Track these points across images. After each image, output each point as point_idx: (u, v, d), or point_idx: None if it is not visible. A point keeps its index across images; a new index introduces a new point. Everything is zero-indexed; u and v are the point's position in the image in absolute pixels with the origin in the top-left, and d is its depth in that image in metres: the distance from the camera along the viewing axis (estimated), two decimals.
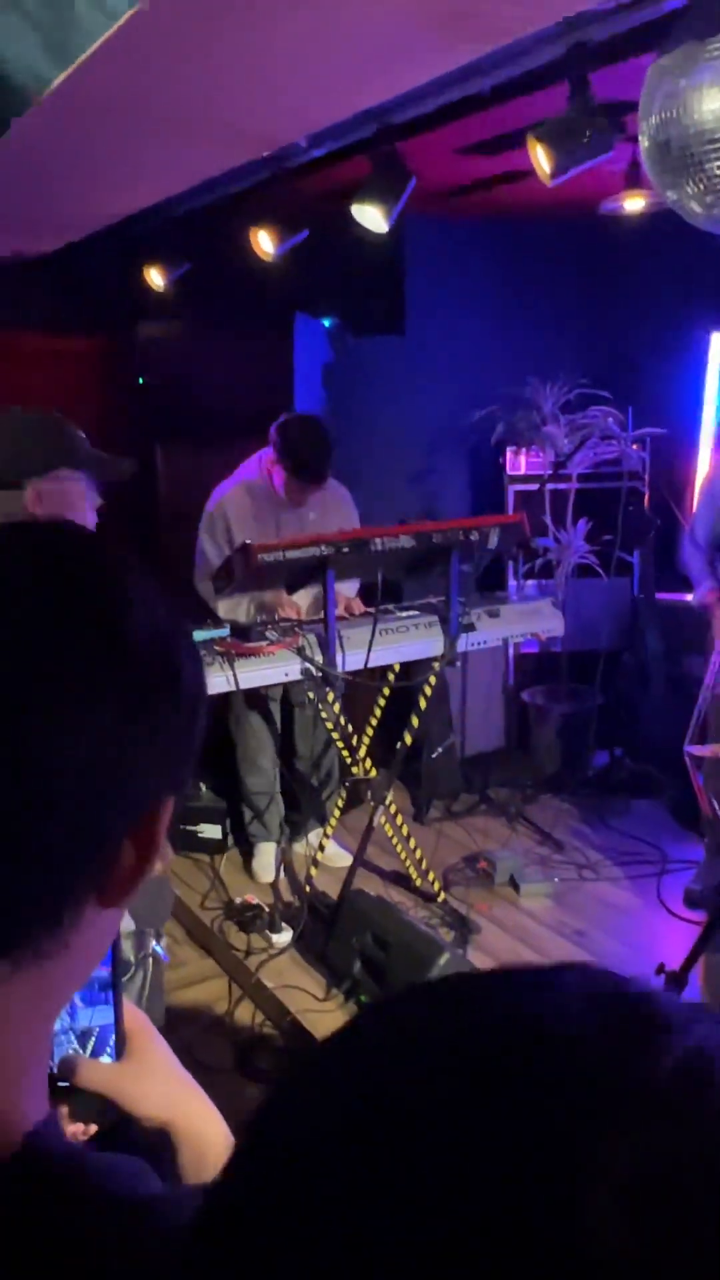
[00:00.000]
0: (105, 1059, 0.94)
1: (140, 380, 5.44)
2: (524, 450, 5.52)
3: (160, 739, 0.60)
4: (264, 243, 4.30)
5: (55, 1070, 0.89)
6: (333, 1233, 0.34)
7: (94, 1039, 0.93)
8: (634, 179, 4.11)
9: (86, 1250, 0.54)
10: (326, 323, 5.52)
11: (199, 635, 3.41)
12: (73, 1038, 0.93)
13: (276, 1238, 0.35)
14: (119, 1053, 0.94)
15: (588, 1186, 0.32)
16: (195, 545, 4.22)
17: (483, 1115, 0.34)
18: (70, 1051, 0.92)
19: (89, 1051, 0.93)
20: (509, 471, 5.58)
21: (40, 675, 0.56)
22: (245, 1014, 3.66)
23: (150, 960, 1.72)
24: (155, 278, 4.99)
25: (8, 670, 0.55)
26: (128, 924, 1.74)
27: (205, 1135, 0.93)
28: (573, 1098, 0.34)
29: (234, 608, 4.06)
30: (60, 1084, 0.89)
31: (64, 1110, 0.91)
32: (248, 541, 3.44)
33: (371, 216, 3.72)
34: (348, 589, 4.08)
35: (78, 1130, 0.95)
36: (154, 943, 1.74)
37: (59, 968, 0.60)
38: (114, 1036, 0.94)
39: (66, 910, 0.59)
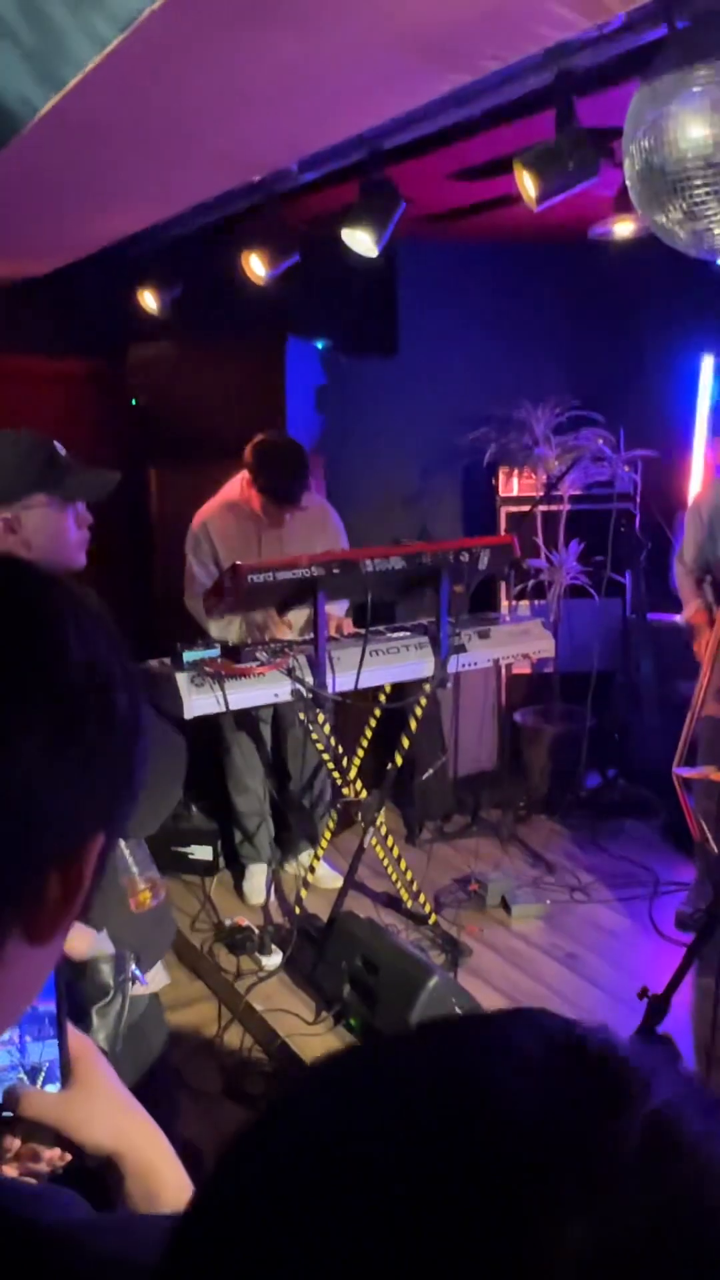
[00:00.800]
0: (52, 1088, 0.92)
1: (133, 402, 5.46)
2: (516, 472, 5.54)
3: (91, 772, 0.59)
4: (256, 266, 4.33)
5: (0, 1101, 0.89)
6: None
7: (43, 1074, 0.92)
8: (623, 203, 4.13)
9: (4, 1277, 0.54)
10: (319, 345, 5.54)
11: (189, 656, 3.41)
12: (22, 1074, 0.91)
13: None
14: (64, 1081, 0.93)
15: (545, 1267, 0.32)
16: (186, 566, 4.25)
17: (436, 1193, 0.34)
18: (16, 1081, 0.91)
19: (39, 1085, 0.92)
20: (501, 493, 5.60)
21: None
22: (234, 1037, 3.64)
23: (129, 985, 1.71)
24: (149, 300, 5.02)
25: None
26: (106, 947, 1.73)
27: (152, 1163, 0.91)
28: (530, 1176, 0.34)
29: (225, 627, 4.07)
30: (4, 1114, 0.88)
31: (12, 1141, 0.91)
32: (237, 562, 3.45)
33: (361, 241, 3.75)
34: (336, 609, 4.09)
35: (54, 1155, 0.94)
36: (133, 965, 1.73)
37: None
38: (59, 1067, 0.93)
39: None
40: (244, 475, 4.16)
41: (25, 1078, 0.92)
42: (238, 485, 4.21)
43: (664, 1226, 0.33)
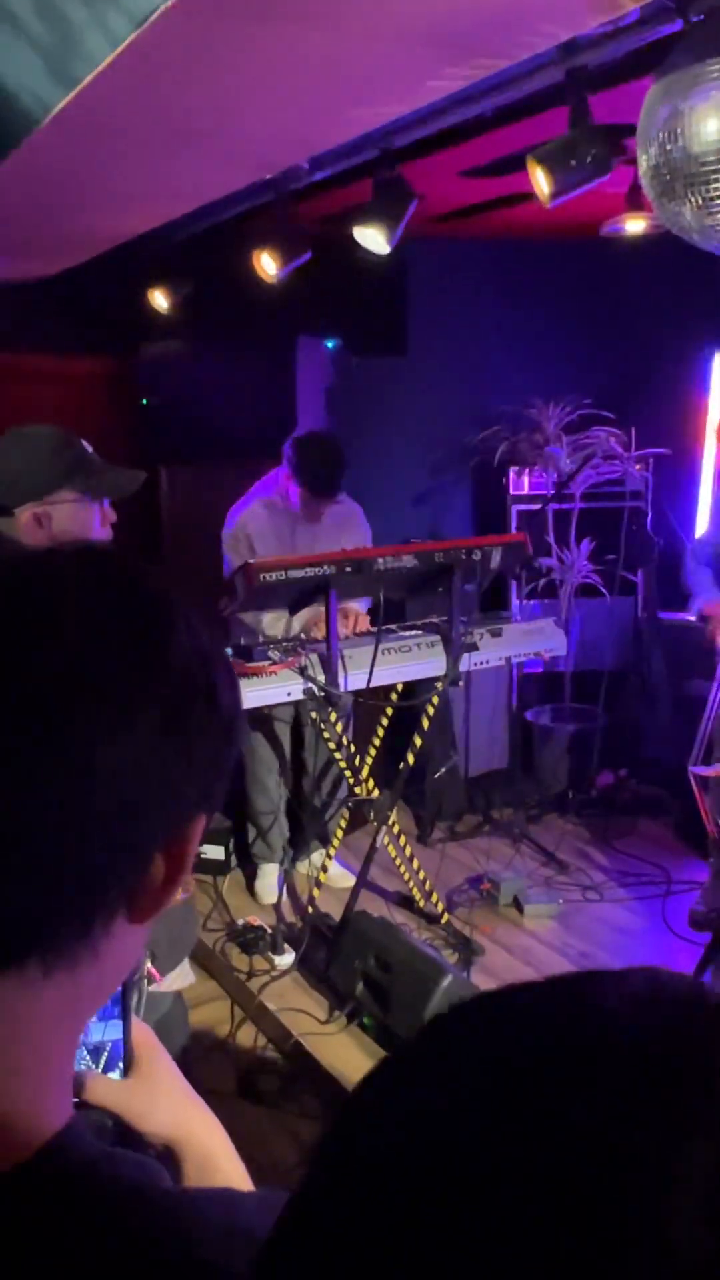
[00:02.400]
0: (114, 1075, 0.94)
1: (144, 401, 5.46)
2: (527, 470, 5.53)
3: (196, 756, 0.62)
4: (267, 265, 4.33)
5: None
6: (416, 1252, 0.34)
7: (105, 1054, 0.94)
8: (635, 201, 4.14)
9: (112, 1246, 0.55)
10: (329, 344, 5.55)
11: None
12: (85, 1052, 0.93)
13: (361, 1253, 0.35)
14: (126, 1069, 0.94)
15: (670, 1197, 0.32)
16: (222, 563, 4.25)
17: (558, 1132, 0.34)
18: (81, 1067, 0.93)
19: (100, 1067, 0.94)
20: (512, 491, 5.59)
21: (83, 686, 0.57)
22: (247, 1037, 3.64)
23: (144, 982, 1.72)
24: (159, 300, 5.02)
25: (54, 680, 0.57)
26: None
27: (212, 1152, 0.93)
28: (647, 1108, 0.34)
29: (275, 622, 4.10)
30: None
31: None
32: (249, 561, 3.45)
33: (373, 238, 3.75)
34: (359, 604, 4.10)
35: None
36: (148, 962, 1.74)
37: (89, 977, 0.61)
38: (122, 1053, 0.94)
39: (99, 920, 0.60)
40: (280, 472, 4.18)
41: (88, 1056, 0.93)
42: (272, 483, 4.23)
43: None
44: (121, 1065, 0.94)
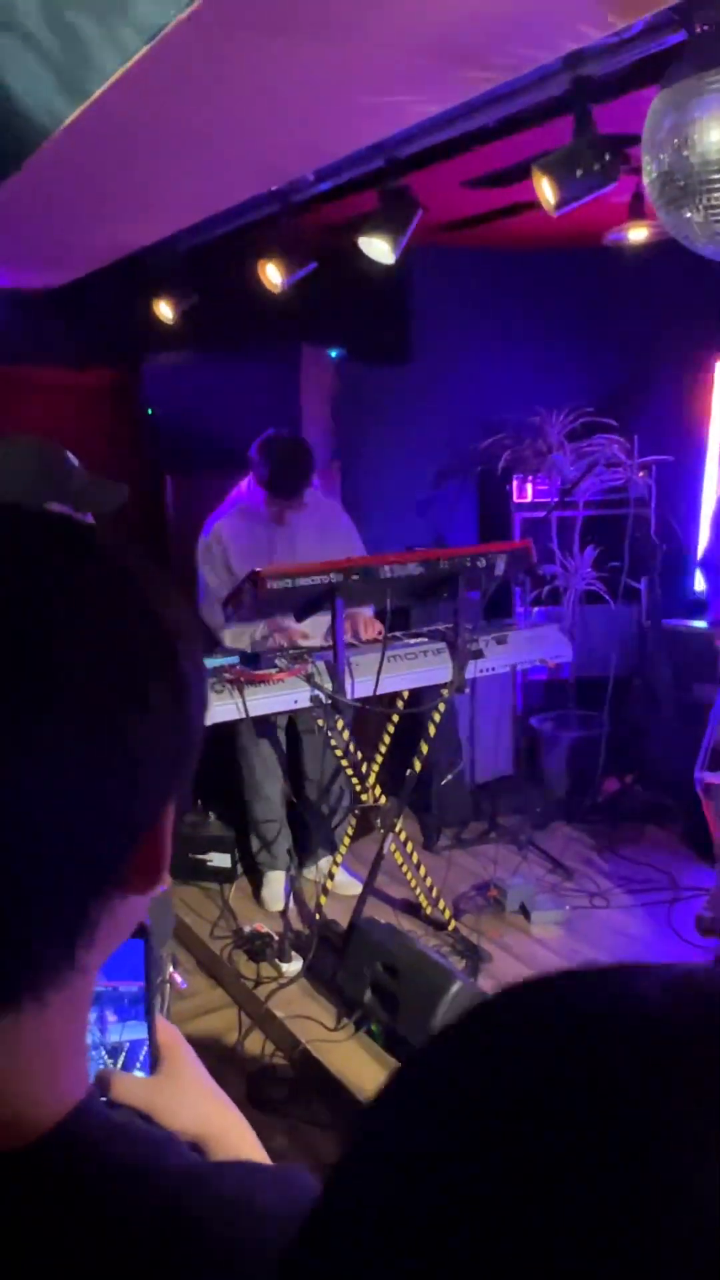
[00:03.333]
0: (138, 1073, 0.94)
1: (149, 412, 5.49)
2: (531, 478, 5.55)
3: (176, 735, 0.61)
4: (272, 275, 4.36)
5: (91, 1084, 0.90)
6: (457, 1244, 0.34)
7: (124, 1054, 0.94)
8: (637, 210, 4.17)
9: (131, 1216, 0.56)
10: (333, 353, 5.57)
11: (208, 663, 3.42)
12: (104, 1053, 0.93)
13: (392, 1255, 0.35)
14: (152, 1067, 0.94)
15: (700, 1165, 0.33)
16: (198, 575, 4.27)
17: (593, 1110, 0.35)
18: (103, 1066, 0.93)
19: (119, 1066, 0.94)
20: (516, 499, 5.61)
21: (36, 666, 0.55)
22: (255, 1044, 3.64)
23: (168, 987, 1.72)
24: (164, 310, 5.05)
25: (10, 655, 0.55)
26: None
27: (239, 1150, 0.93)
28: (683, 1078, 0.35)
29: (238, 636, 4.09)
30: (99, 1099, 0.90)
31: None
32: (258, 569, 3.46)
33: (379, 248, 3.77)
34: (366, 611, 4.12)
35: None
36: (171, 968, 1.74)
37: (89, 955, 0.61)
38: (147, 1050, 0.94)
39: (92, 905, 0.60)
40: (250, 475, 4.21)
41: (107, 1057, 0.93)
42: (245, 488, 4.25)
43: None
44: (145, 1063, 0.94)
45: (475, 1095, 0.37)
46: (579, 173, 2.80)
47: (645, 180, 2.42)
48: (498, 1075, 0.38)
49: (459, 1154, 0.36)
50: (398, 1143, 0.38)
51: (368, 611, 4.15)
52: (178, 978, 1.89)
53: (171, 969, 1.77)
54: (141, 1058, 0.95)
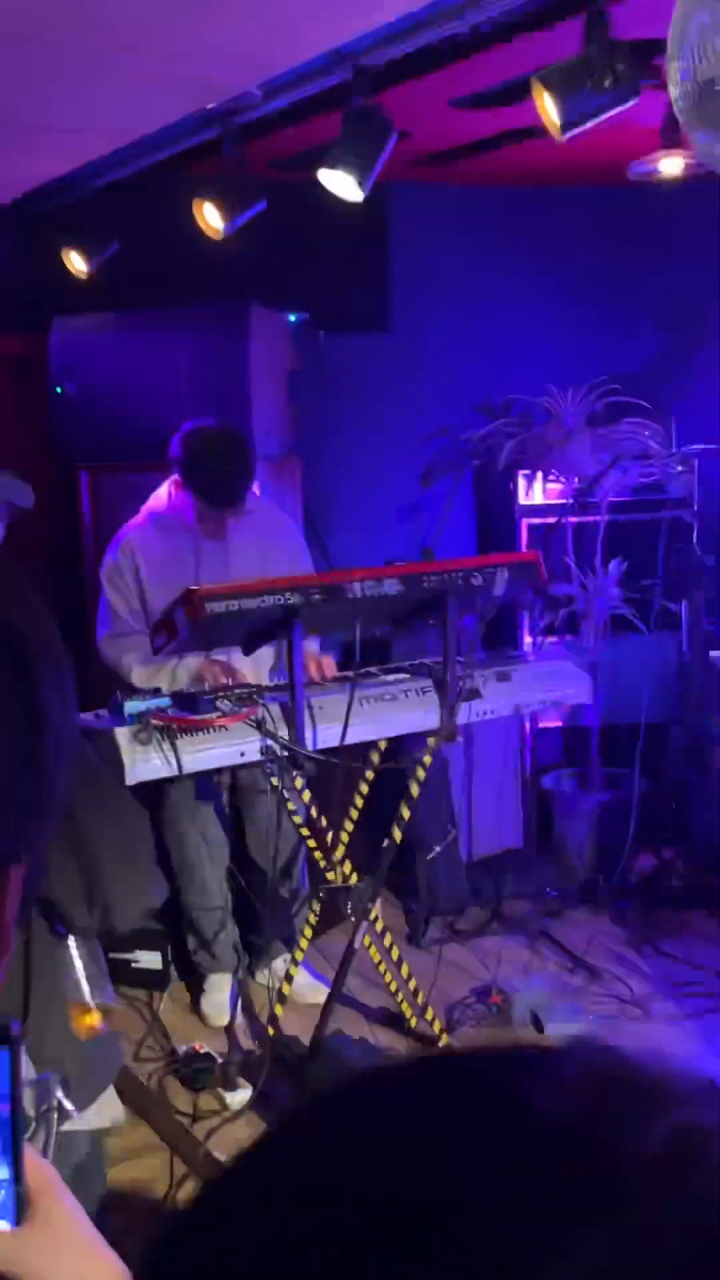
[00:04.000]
0: (3, 1225, 0.93)
1: (58, 390, 5.47)
2: (540, 474, 5.57)
3: (7, 775, 0.59)
4: (211, 218, 4.37)
5: None
6: None
7: None
8: (670, 136, 4.20)
9: None
10: (291, 318, 5.58)
11: (132, 706, 3.41)
12: None
13: None
14: (19, 1218, 0.93)
15: (554, 1273, 0.36)
16: (100, 599, 4.28)
17: (447, 1199, 0.39)
18: None
19: None
20: (522, 500, 5.62)
21: None
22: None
23: (55, 1116, 1.71)
24: (75, 262, 5.05)
25: None
26: (27, 1071, 1.72)
27: None
28: (544, 1182, 0.39)
29: (153, 675, 4.07)
30: None
31: None
32: (192, 588, 3.45)
33: (343, 183, 3.79)
34: (311, 645, 4.11)
35: None
36: (58, 1091, 1.72)
37: None
38: (9, 1195, 0.93)
39: None
40: (172, 479, 4.20)
41: None
42: (164, 493, 4.25)
43: (679, 1241, 0.38)
44: (12, 1212, 0.93)
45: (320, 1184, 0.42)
46: (589, 87, 2.82)
47: (672, 94, 2.43)
48: (344, 1164, 0.43)
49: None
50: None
51: (312, 645, 4.14)
52: (69, 1104, 1.85)
53: (59, 1092, 1.75)
54: (10, 1206, 0.93)
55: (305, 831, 3.91)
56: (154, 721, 3.44)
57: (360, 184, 3.78)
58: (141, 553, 4.21)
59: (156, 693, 3.59)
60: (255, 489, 4.36)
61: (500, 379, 5.76)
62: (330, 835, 3.91)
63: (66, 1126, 1.98)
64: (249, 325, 5.15)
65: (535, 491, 5.62)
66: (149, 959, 4.61)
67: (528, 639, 5.46)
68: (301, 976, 4.30)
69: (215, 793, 4.42)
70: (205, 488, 4.09)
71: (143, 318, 5.36)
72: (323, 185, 3.92)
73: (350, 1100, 0.46)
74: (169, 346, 5.29)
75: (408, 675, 3.89)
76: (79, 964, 1.98)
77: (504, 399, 5.67)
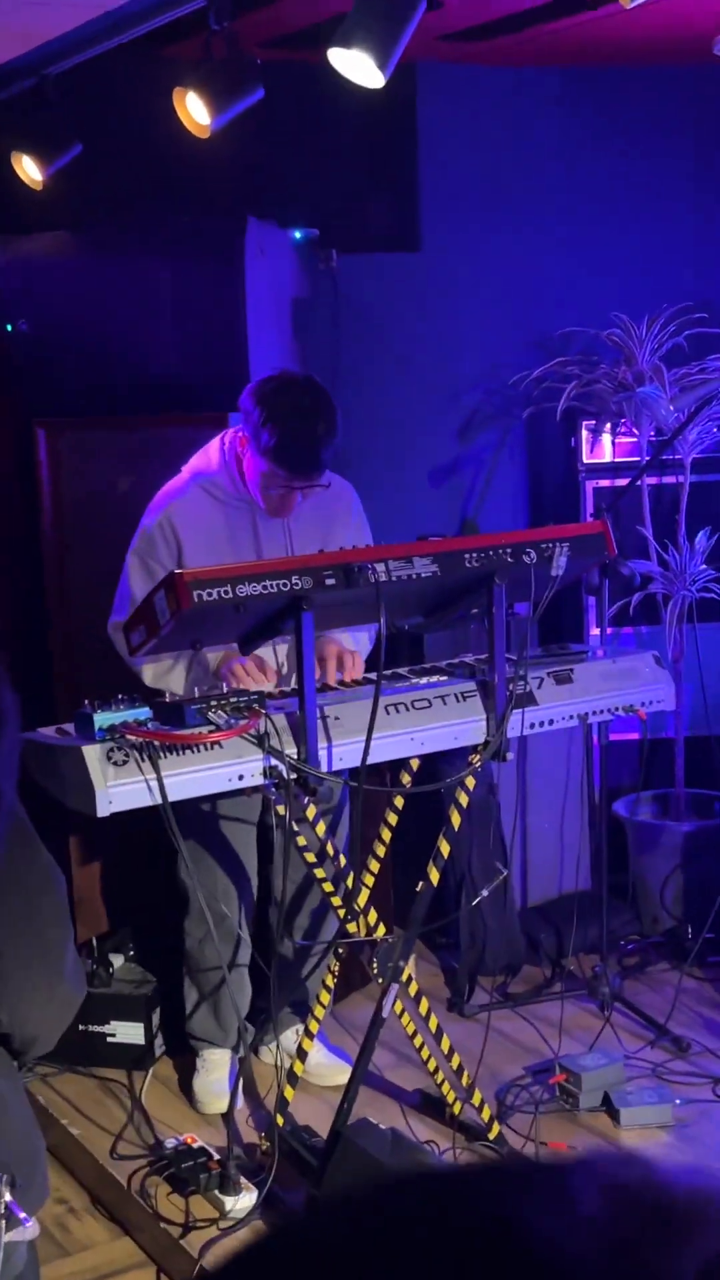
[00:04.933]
0: None
1: (8, 328, 5.49)
2: (608, 426, 5.55)
3: None
4: (196, 111, 4.36)
5: None
6: None
7: None
8: None
9: None
10: (297, 235, 5.58)
11: (104, 718, 3.40)
12: None
13: None
14: None
15: None
16: (121, 577, 4.24)
17: None
18: None
19: None
20: (585, 459, 5.61)
21: None
22: None
23: (2, 1224, 1.72)
24: (27, 169, 5.05)
25: None
26: None
27: None
28: None
29: (165, 673, 4.07)
30: None
31: None
32: (176, 571, 3.45)
33: (359, 65, 3.78)
34: (342, 637, 4.09)
35: None
36: (7, 1195, 1.73)
37: None
38: None
39: None
40: (229, 437, 4.20)
41: None
42: (217, 453, 4.22)
43: None
44: None
45: None
46: None
47: None
48: None
49: None
50: None
51: (346, 638, 4.12)
52: (23, 1215, 1.87)
53: (7, 1195, 1.76)
54: None
55: (320, 873, 3.90)
56: (130, 737, 3.43)
57: (380, 66, 3.76)
58: (186, 526, 4.17)
59: (133, 701, 3.59)
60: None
61: (557, 308, 5.75)
62: (351, 877, 3.90)
63: (9, 1237, 2.00)
64: (245, 244, 5.15)
65: (602, 447, 5.61)
66: (129, 1032, 4.62)
67: (594, 630, 5.44)
68: (317, 1052, 4.31)
69: (225, 824, 4.41)
70: (286, 454, 4.05)
71: (112, 237, 5.36)
72: (334, 68, 3.91)
73: (323, 1232, 0.50)
74: (145, 272, 5.29)
75: (445, 677, 3.89)
76: None
77: (562, 332, 5.64)
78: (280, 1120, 4.00)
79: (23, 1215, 1.87)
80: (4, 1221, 1.75)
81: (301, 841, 3.84)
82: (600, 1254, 0.44)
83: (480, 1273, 0.44)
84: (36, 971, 1.98)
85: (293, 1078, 4.07)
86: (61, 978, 2.03)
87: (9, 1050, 2.08)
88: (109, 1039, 4.62)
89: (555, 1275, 0.43)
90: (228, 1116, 4.30)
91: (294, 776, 3.54)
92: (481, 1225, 0.47)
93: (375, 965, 3.83)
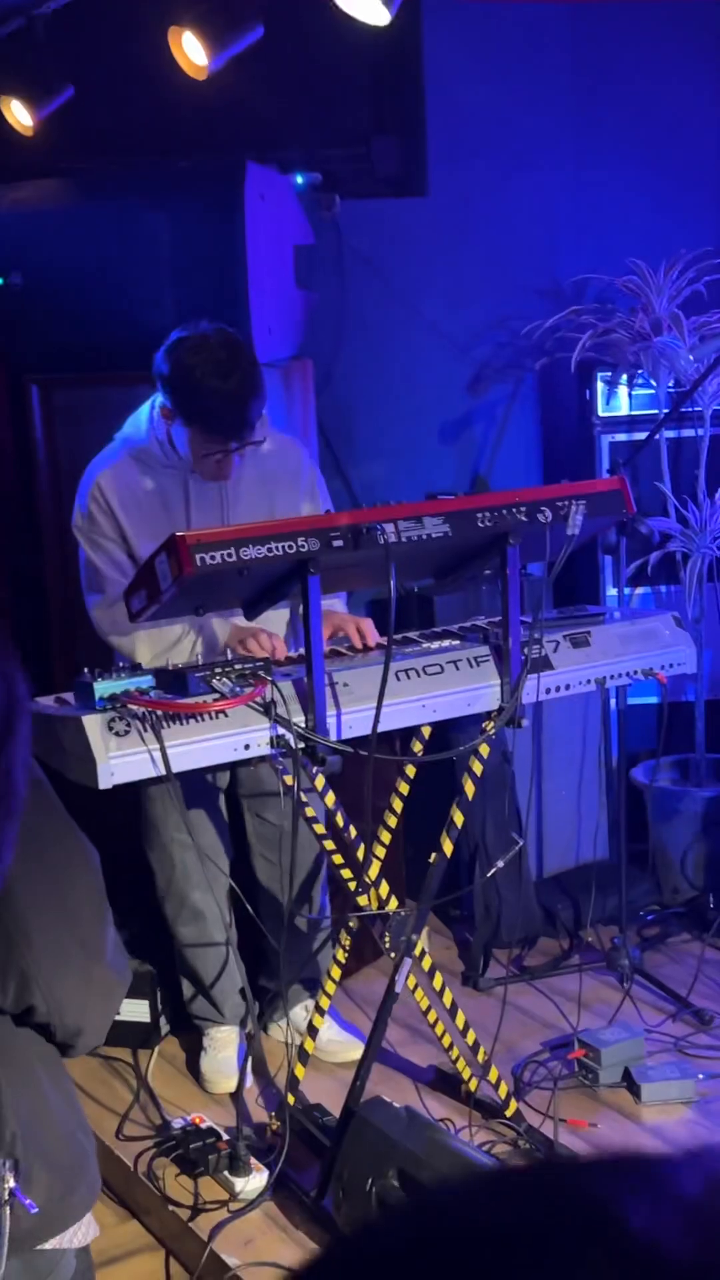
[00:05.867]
0: None
1: (0, 281, 5.48)
2: (625, 377, 5.54)
3: None
4: (192, 51, 4.35)
5: None
6: None
7: None
8: None
9: None
10: (299, 179, 5.56)
11: (105, 687, 3.41)
12: None
13: None
14: None
15: None
16: (79, 558, 4.25)
17: None
18: None
19: None
20: (600, 412, 5.60)
21: None
22: None
23: (5, 1212, 1.72)
24: (16, 113, 5.04)
25: None
26: None
27: None
28: None
29: (164, 650, 4.07)
30: None
31: None
32: (179, 534, 3.44)
33: (365, 1, 3.76)
34: (335, 603, 4.10)
35: None
36: (11, 1181, 1.74)
37: None
38: None
39: None
40: (157, 403, 4.17)
41: None
42: (144, 419, 4.22)
43: None
44: None
45: None
46: None
47: None
48: None
49: None
50: None
51: (338, 604, 4.12)
52: (33, 1207, 1.87)
53: (11, 1181, 1.77)
54: None
55: (329, 844, 3.92)
56: (132, 707, 3.44)
57: (386, 2, 3.75)
58: (117, 497, 4.17)
59: (136, 669, 3.60)
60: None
61: (571, 254, 5.73)
62: (361, 848, 3.92)
63: (50, 1245, 2.00)
64: (244, 190, 5.13)
65: (618, 399, 5.60)
66: (134, 1010, 4.63)
67: (612, 591, 5.45)
68: (328, 1029, 4.33)
69: (210, 791, 4.43)
70: (204, 415, 4.04)
71: (105, 184, 5.34)
72: (337, 5, 3.89)
73: (422, 1222, 0.50)
74: (140, 220, 5.27)
75: (458, 641, 3.89)
76: None
77: (575, 279, 5.63)
78: (291, 1099, 4.04)
79: (28, 1201, 1.87)
80: (7, 1209, 1.76)
81: (309, 811, 3.85)
82: (703, 1248, 0.45)
83: (578, 1261, 0.45)
84: (72, 956, 1.95)
85: (304, 1055, 4.10)
86: (100, 961, 2.00)
87: (53, 1043, 2.06)
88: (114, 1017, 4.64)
89: (654, 1266, 0.45)
90: (237, 1096, 4.30)
91: (302, 746, 3.55)
92: (577, 1217, 0.48)
93: (388, 939, 3.84)
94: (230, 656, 3.95)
